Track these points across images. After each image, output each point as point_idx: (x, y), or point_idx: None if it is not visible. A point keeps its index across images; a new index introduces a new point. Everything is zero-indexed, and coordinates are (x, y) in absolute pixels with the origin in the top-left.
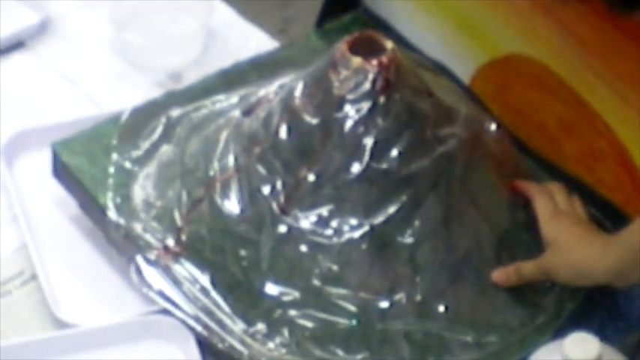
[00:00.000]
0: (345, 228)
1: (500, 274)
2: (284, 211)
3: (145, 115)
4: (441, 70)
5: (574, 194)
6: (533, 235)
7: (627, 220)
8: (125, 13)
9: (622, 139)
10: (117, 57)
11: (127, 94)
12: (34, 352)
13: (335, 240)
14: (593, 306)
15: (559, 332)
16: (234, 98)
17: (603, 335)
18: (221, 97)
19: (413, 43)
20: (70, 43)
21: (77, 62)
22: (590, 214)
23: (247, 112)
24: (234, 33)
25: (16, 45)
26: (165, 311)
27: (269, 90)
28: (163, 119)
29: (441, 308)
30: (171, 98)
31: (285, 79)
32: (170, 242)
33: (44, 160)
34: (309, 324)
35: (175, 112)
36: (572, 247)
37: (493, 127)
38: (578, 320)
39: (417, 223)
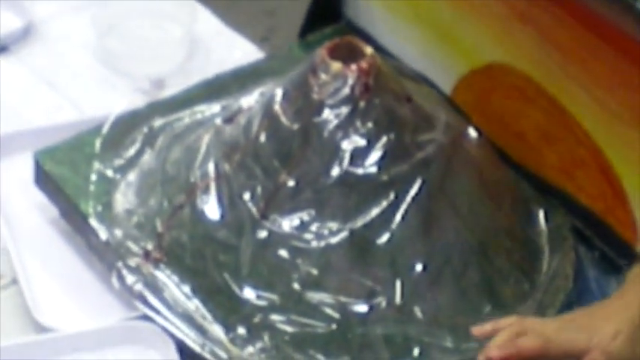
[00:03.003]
0: (325, 232)
1: None
2: (264, 215)
3: (128, 124)
4: (422, 80)
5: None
6: (513, 240)
7: (607, 229)
8: (108, 19)
9: (601, 146)
10: (100, 62)
11: (110, 100)
12: (14, 356)
13: (315, 244)
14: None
15: None
16: (215, 108)
17: None
18: (203, 107)
19: (394, 54)
20: (54, 48)
21: (60, 67)
22: (571, 224)
23: (228, 120)
24: (217, 41)
25: None
26: (145, 317)
27: (250, 99)
28: (145, 129)
29: (421, 313)
30: (154, 108)
31: (265, 89)
32: (151, 248)
33: (26, 164)
34: (289, 329)
35: (157, 122)
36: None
37: (473, 133)
38: None
39: (396, 227)
